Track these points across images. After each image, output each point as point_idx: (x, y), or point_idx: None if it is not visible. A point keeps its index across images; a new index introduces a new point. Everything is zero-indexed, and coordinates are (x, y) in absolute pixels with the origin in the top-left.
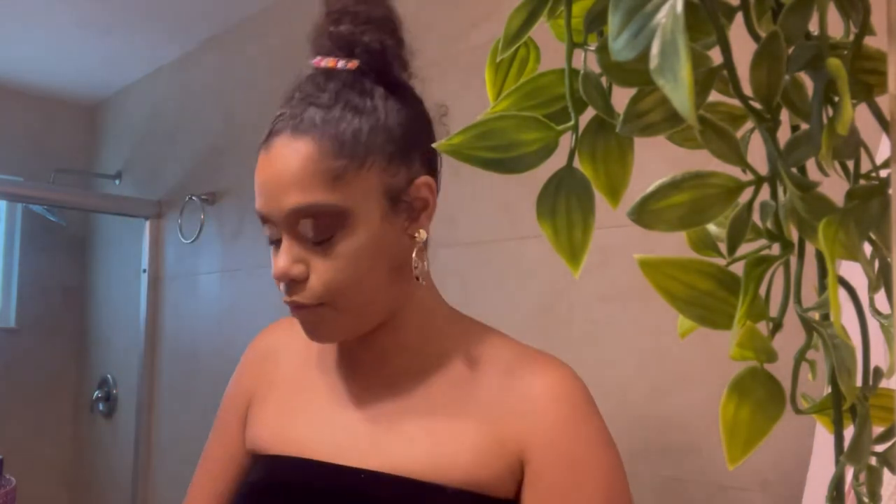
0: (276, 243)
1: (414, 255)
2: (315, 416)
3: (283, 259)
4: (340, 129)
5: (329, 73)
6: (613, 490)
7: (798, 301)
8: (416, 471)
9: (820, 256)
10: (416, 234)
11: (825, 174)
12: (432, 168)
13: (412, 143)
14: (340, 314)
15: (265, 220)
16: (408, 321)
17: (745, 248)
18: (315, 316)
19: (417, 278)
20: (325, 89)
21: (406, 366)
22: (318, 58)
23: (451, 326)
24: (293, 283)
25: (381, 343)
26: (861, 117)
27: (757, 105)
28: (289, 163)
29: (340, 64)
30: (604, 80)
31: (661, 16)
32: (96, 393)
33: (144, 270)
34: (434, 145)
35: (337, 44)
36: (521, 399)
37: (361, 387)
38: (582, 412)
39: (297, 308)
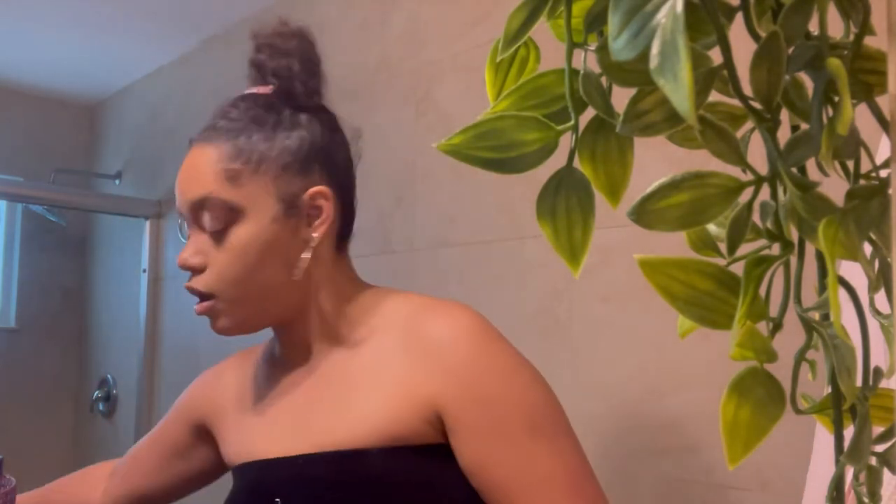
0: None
1: (302, 255)
2: (259, 419)
3: (186, 249)
4: (240, 138)
5: (245, 97)
6: (535, 410)
7: (798, 301)
8: (337, 443)
9: (820, 256)
10: (310, 239)
11: (825, 174)
12: (340, 184)
13: (311, 157)
14: (232, 306)
15: (180, 215)
16: (318, 312)
17: (745, 248)
18: (210, 309)
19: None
20: (237, 107)
21: (323, 351)
22: (247, 89)
23: (363, 306)
24: (193, 272)
25: (297, 335)
26: (861, 117)
27: (757, 105)
28: (195, 164)
29: (259, 90)
30: (604, 80)
31: (661, 16)
32: (96, 393)
33: (144, 270)
34: (433, 145)
35: (255, 70)
36: (422, 349)
37: (289, 380)
38: (482, 346)
39: (198, 299)
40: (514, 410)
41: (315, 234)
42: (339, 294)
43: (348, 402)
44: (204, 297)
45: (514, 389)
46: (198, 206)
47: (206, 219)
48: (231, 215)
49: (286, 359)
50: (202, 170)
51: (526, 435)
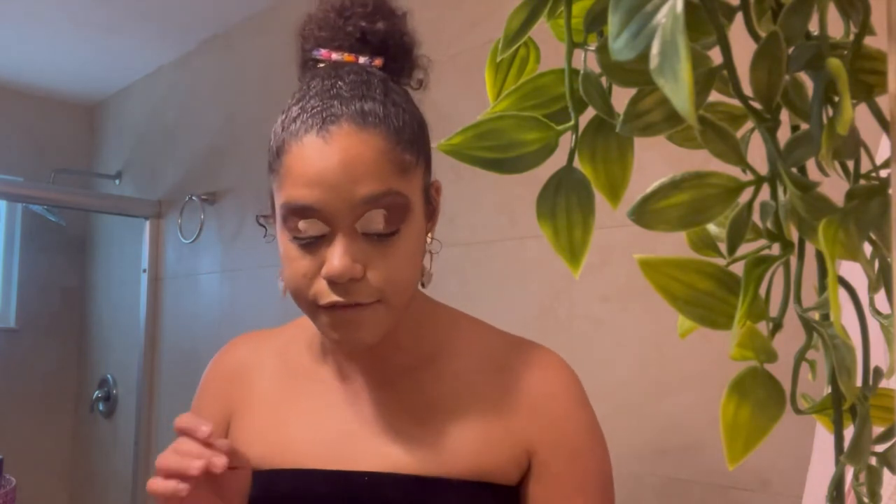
0: (309, 241)
1: (428, 259)
2: (309, 425)
3: (344, 257)
4: (401, 123)
5: (361, 71)
6: (608, 473)
7: (798, 301)
8: (418, 467)
9: (820, 256)
10: (430, 238)
11: (825, 174)
12: None
13: (430, 148)
14: (389, 311)
15: (312, 213)
16: (405, 320)
17: (745, 248)
18: (366, 315)
19: (424, 284)
20: (371, 84)
21: (400, 365)
22: (326, 51)
23: (439, 322)
24: (350, 283)
25: (380, 347)
26: (861, 117)
27: (757, 105)
28: (360, 152)
29: (363, 60)
30: (604, 80)
31: (661, 16)
32: (96, 393)
33: (144, 270)
34: (434, 145)
35: (368, 40)
36: (522, 393)
37: (355, 390)
38: (579, 403)
39: (344, 308)
40: (597, 469)
41: (431, 234)
42: (424, 306)
43: (432, 426)
44: (361, 303)
45: (599, 449)
46: (371, 204)
47: (379, 219)
48: (405, 214)
49: (351, 366)
50: (375, 161)
51: (599, 494)
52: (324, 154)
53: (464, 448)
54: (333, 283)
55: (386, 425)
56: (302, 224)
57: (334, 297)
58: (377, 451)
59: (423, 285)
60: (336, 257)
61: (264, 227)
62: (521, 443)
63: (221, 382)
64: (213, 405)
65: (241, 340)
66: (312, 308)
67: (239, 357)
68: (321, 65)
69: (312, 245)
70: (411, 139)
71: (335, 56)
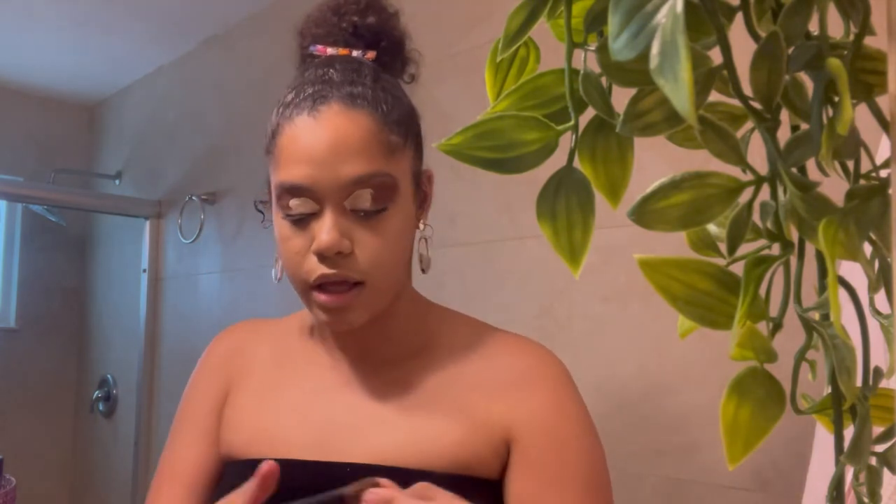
0: (301, 219)
1: (423, 245)
2: (296, 413)
3: (332, 230)
4: (389, 107)
5: (353, 61)
6: (595, 471)
7: (798, 301)
8: (401, 458)
9: (820, 256)
10: (422, 225)
11: (825, 174)
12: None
13: (421, 137)
14: (372, 295)
15: (303, 192)
16: (398, 311)
17: (745, 248)
18: (350, 297)
19: (424, 270)
20: (361, 72)
21: (388, 356)
22: (322, 46)
23: (429, 315)
24: (338, 257)
25: (367, 335)
26: (861, 117)
27: (757, 105)
28: (349, 131)
29: (356, 54)
30: (604, 80)
31: (661, 16)
32: (96, 393)
33: (144, 270)
34: (433, 145)
35: (361, 34)
36: (504, 381)
37: (344, 379)
38: (565, 392)
39: (331, 292)
40: (580, 461)
41: (423, 221)
42: (418, 301)
43: (417, 417)
44: (348, 285)
45: (585, 442)
46: (358, 184)
47: (366, 198)
48: (391, 194)
49: (339, 350)
50: (363, 141)
51: (581, 487)
52: (313, 132)
53: (447, 440)
54: (323, 256)
55: (372, 415)
56: (293, 202)
57: (324, 269)
58: (362, 442)
59: (423, 271)
60: (325, 231)
61: (262, 212)
62: (501, 431)
63: (221, 360)
64: (211, 381)
65: (242, 325)
66: (305, 287)
67: (238, 339)
68: (317, 59)
69: (303, 222)
70: (398, 121)
71: (330, 51)
